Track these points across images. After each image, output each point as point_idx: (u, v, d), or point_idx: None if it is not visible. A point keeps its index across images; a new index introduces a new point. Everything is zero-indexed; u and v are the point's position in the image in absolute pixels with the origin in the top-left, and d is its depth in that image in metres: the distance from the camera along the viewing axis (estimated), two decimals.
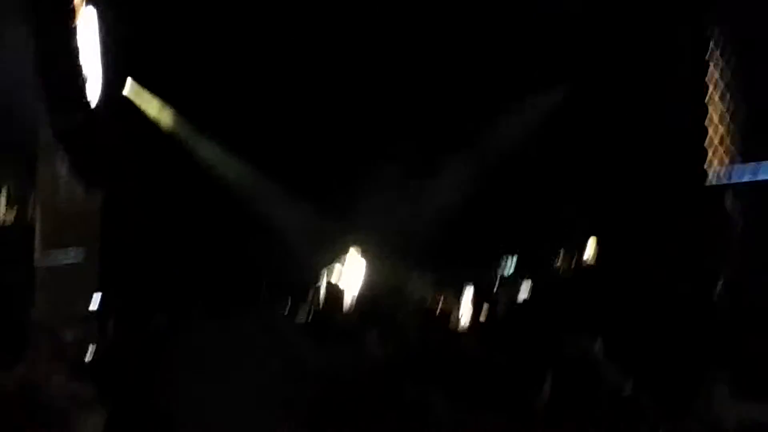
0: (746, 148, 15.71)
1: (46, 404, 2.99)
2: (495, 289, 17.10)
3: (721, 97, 16.07)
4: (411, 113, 18.57)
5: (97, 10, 16.84)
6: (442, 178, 19.18)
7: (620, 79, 16.63)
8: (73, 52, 16.17)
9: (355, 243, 18.09)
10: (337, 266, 17.63)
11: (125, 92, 18.57)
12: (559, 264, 16.99)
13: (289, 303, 17.26)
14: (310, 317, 14.38)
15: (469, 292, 16.81)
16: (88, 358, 5.38)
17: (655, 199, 15.82)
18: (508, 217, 17.93)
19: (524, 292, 16.34)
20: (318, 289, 17.68)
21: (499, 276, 17.61)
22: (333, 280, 17.44)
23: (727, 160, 15.93)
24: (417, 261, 18.17)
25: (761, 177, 15.26)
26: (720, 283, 13.74)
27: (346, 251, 17.86)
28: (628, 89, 16.45)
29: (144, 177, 17.61)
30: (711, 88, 16.15)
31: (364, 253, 17.93)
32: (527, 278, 16.60)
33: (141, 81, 18.80)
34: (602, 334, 6.33)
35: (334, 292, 17.42)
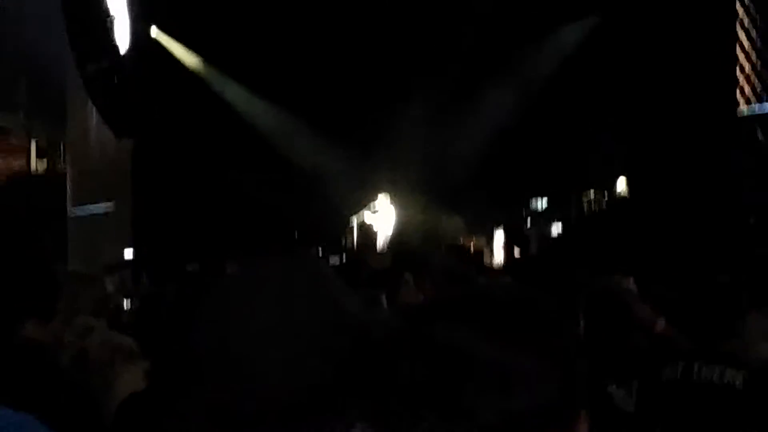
0: None
1: (87, 357, 3.02)
2: (526, 228, 17.10)
3: (748, 35, 15.96)
4: (438, 48, 18.47)
5: None
6: (471, 116, 19.03)
7: (653, 13, 16.42)
8: None
9: (385, 184, 18.06)
10: (369, 208, 17.59)
11: (153, 35, 18.45)
12: (589, 202, 16.90)
13: (323, 246, 17.34)
14: (344, 260, 14.42)
15: (500, 232, 16.82)
16: (126, 307, 5.41)
17: (687, 133, 15.69)
18: (538, 155, 17.81)
19: (555, 231, 16.52)
20: (351, 231, 17.72)
21: (530, 214, 17.51)
22: (365, 223, 17.48)
23: (756, 95, 15.88)
24: (448, 201, 18.26)
25: None
26: (753, 216, 13.70)
27: (377, 193, 17.81)
28: (660, 24, 16.24)
29: (174, 124, 17.59)
30: (739, 26, 16.08)
31: (395, 195, 17.89)
32: (558, 216, 16.80)
33: (167, 25, 18.69)
34: (634, 271, 6.31)
35: (367, 235, 17.50)
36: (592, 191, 16.98)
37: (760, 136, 15.48)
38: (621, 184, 16.87)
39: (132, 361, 3.10)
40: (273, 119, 19.39)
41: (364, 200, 17.91)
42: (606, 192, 16.93)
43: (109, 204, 16.78)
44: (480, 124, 18.71)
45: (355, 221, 17.60)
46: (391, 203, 17.66)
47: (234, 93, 19.29)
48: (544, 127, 17.62)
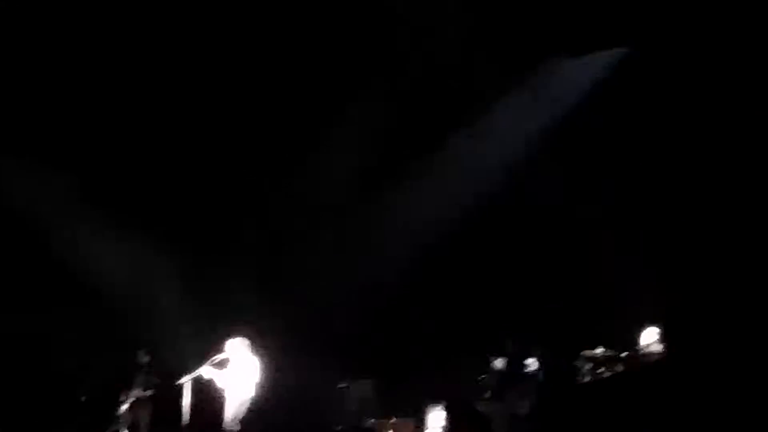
0: None
1: None
2: (480, 404, 17.00)
3: None
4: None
5: None
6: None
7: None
8: None
9: (244, 327, 17.77)
10: (211, 360, 17.02)
11: None
12: (595, 366, 16.89)
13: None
14: None
15: (437, 410, 16.62)
16: None
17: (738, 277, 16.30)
18: (507, 295, 18.75)
19: (534, 410, 16.37)
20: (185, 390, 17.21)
21: (490, 383, 17.63)
22: (203, 383, 16.88)
23: None
24: (341, 357, 18.65)
25: None
26: None
27: (224, 337, 17.39)
28: None
29: None
30: None
31: (258, 343, 17.56)
32: (541, 386, 16.87)
33: None
34: None
35: (204, 404, 16.95)
36: (599, 348, 17.07)
37: None
38: (647, 339, 16.96)
39: None
40: None
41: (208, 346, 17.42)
42: (622, 351, 17.00)
43: None
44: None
45: (186, 380, 16.95)
46: (251, 353, 17.18)
47: None
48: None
